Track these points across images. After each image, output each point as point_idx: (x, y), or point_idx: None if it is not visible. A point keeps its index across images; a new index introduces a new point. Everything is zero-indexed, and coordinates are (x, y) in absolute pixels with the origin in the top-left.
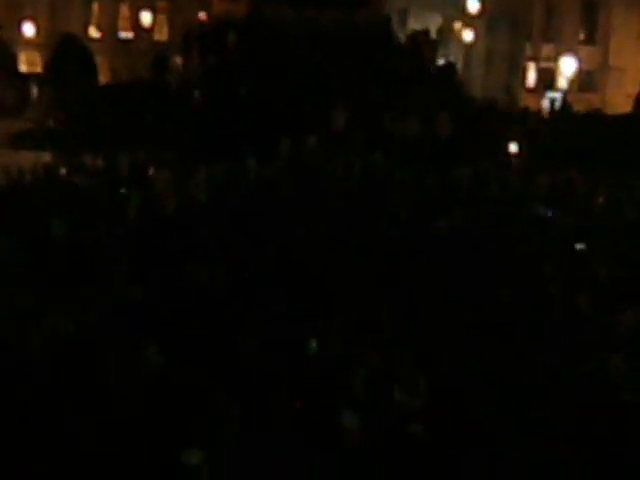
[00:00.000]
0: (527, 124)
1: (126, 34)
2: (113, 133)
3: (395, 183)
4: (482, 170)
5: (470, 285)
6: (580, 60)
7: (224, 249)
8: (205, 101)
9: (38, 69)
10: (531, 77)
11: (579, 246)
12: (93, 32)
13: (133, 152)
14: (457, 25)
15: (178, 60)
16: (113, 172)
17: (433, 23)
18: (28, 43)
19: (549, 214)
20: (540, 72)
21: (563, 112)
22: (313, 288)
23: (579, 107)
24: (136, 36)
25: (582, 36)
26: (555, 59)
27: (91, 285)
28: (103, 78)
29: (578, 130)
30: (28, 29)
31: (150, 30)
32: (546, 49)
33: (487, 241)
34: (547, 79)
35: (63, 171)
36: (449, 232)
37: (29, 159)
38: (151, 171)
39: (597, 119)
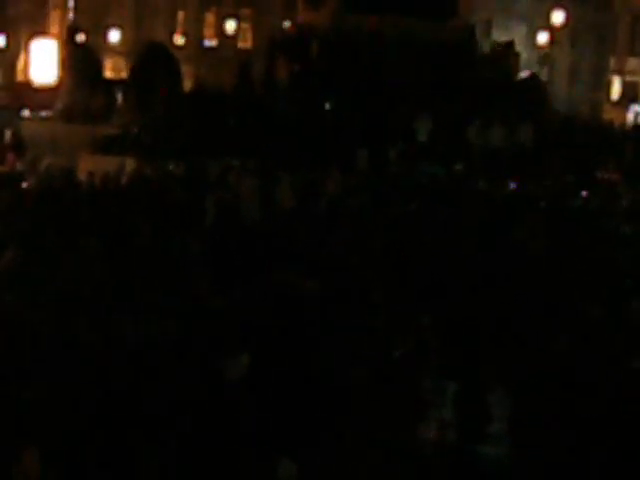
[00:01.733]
0: (610, 137)
1: (211, 42)
2: (197, 140)
3: (475, 196)
4: (565, 184)
5: (557, 301)
6: None
7: (310, 257)
8: (289, 110)
9: (123, 76)
10: (616, 90)
11: None
12: (178, 40)
13: (217, 159)
14: (541, 37)
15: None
16: (197, 178)
17: (517, 34)
18: (114, 50)
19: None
20: (625, 85)
21: None
22: (400, 299)
23: None
24: (221, 44)
25: None
26: None
27: (173, 292)
28: (188, 85)
29: None
30: (114, 36)
31: (234, 38)
32: (631, 62)
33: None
34: (632, 93)
35: (147, 176)
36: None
37: (114, 164)
38: (235, 177)
39: None
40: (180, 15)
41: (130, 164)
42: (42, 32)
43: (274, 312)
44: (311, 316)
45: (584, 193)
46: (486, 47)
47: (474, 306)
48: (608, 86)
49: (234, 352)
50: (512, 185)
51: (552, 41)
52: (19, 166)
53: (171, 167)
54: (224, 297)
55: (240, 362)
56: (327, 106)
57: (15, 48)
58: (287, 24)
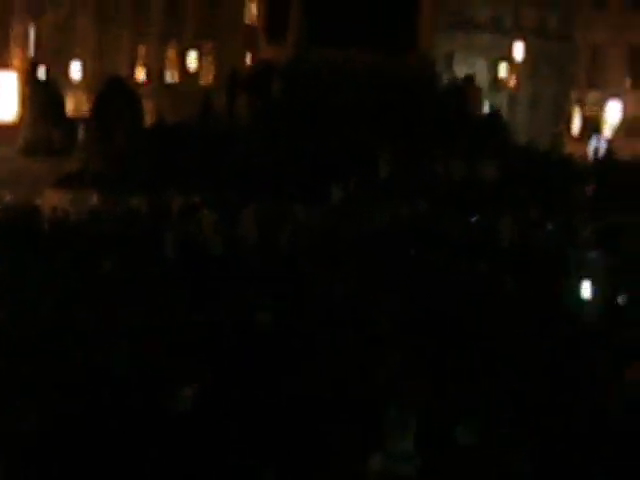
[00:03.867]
0: (570, 170)
1: (172, 77)
2: (159, 174)
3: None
4: (528, 217)
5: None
6: (626, 106)
7: (274, 293)
8: (251, 145)
9: (85, 111)
10: (576, 123)
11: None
12: (140, 75)
13: (180, 193)
14: (502, 71)
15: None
16: (159, 213)
17: (478, 68)
18: (75, 85)
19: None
20: (585, 119)
21: (607, 159)
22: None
23: (625, 153)
24: (182, 80)
25: (628, 82)
26: (600, 105)
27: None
28: (149, 121)
29: (622, 177)
30: (75, 71)
31: (196, 74)
32: (591, 95)
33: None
34: (592, 125)
35: (110, 211)
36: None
37: (77, 199)
38: (197, 212)
39: None
40: (141, 49)
41: (93, 199)
42: (2, 66)
43: (230, 343)
44: (265, 351)
45: (548, 226)
46: (447, 81)
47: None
48: (569, 119)
49: (181, 384)
50: (473, 219)
51: (512, 73)
52: None
53: (134, 202)
54: (182, 328)
55: (186, 394)
56: (287, 138)
57: None
58: (249, 59)
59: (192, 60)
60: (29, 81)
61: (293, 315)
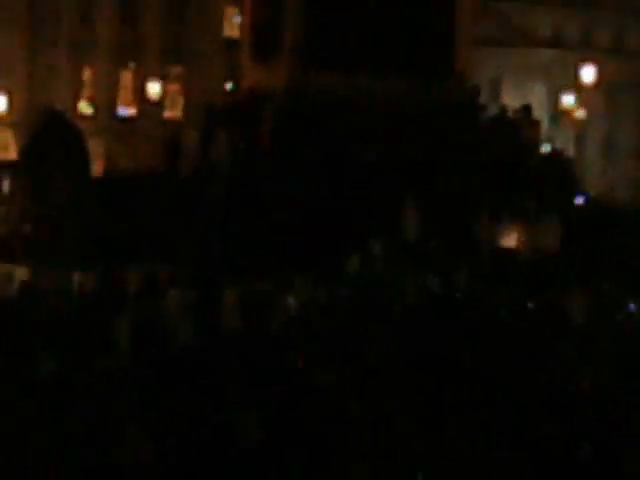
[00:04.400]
0: None
1: (128, 110)
2: (111, 241)
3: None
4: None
5: None
6: None
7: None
8: (234, 202)
9: (11, 155)
10: None
11: None
12: (84, 107)
13: (137, 266)
14: (567, 100)
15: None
16: (110, 292)
17: (536, 96)
18: None
19: None
20: None
21: None
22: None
23: None
24: (141, 112)
25: None
26: None
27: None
28: (98, 167)
29: None
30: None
31: (159, 104)
32: None
33: None
34: None
35: (43, 290)
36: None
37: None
38: (161, 291)
39: None
40: (86, 73)
41: (21, 274)
42: None
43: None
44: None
45: (632, 307)
46: (494, 113)
47: None
48: None
49: None
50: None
51: (580, 103)
52: None
53: (77, 278)
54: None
55: None
56: (282, 191)
57: None
58: (229, 86)
59: (154, 87)
60: None
61: (286, 430)
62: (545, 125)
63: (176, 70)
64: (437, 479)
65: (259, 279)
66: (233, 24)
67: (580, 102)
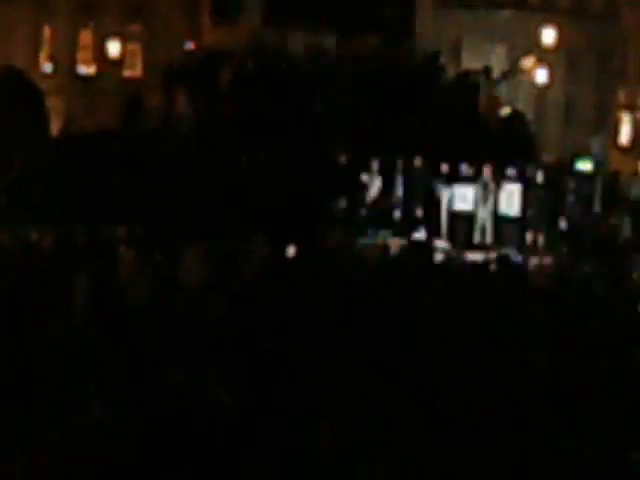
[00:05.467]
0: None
1: (88, 68)
2: (69, 200)
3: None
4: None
5: None
6: None
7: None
8: (194, 160)
9: None
10: (625, 131)
11: None
12: (45, 65)
13: (95, 225)
14: (527, 61)
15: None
16: (67, 250)
17: (495, 58)
18: None
19: None
20: (637, 124)
21: None
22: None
23: None
24: (101, 71)
25: None
26: None
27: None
28: (57, 126)
29: None
30: None
31: (119, 63)
32: None
33: None
34: None
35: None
36: None
37: None
38: (119, 249)
39: None
40: (46, 31)
41: None
42: None
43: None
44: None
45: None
46: (454, 76)
47: None
48: (615, 127)
49: None
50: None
51: (540, 65)
52: None
53: (33, 236)
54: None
55: None
56: (242, 150)
57: None
58: (190, 45)
59: (114, 46)
60: None
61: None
62: (504, 89)
63: (136, 29)
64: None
65: (218, 239)
66: None
67: (540, 64)
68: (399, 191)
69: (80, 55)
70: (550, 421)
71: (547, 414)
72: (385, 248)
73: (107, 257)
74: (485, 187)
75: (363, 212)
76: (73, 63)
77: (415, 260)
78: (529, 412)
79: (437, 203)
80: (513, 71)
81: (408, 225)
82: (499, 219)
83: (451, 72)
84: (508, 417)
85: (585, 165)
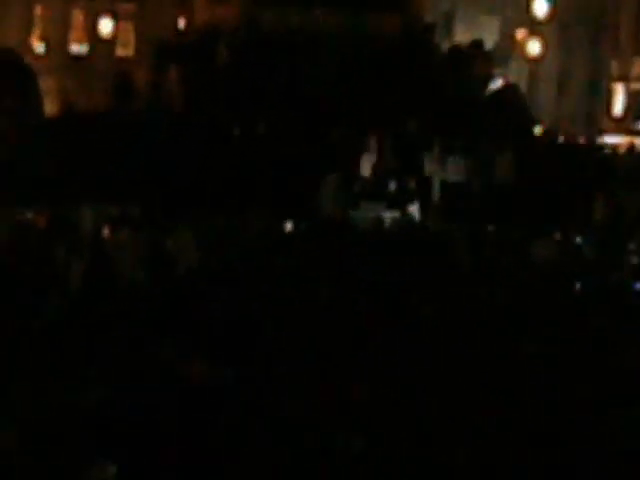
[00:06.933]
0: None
1: (79, 47)
2: (63, 180)
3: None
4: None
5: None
6: None
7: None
8: (187, 138)
9: None
10: (618, 102)
11: None
12: (36, 45)
13: (89, 205)
14: (520, 33)
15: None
16: (62, 231)
17: (488, 31)
18: None
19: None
20: (630, 95)
21: None
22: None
23: None
24: (93, 50)
25: None
26: None
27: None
28: (50, 106)
29: None
30: None
31: (111, 42)
32: (638, 66)
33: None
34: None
35: None
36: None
37: None
38: (113, 229)
39: None
40: (38, 10)
41: None
42: None
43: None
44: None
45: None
46: (447, 48)
47: None
48: (609, 97)
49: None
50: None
51: (533, 37)
52: None
53: (29, 216)
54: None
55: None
56: (237, 131)
57: None
58: (182, 23)
59: (106, 24)
60: None
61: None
62: (497, 60)
63: (128, 7)
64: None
65: (214, 214)
66: None
67: (532, 36)
68: (392, 164)
69: (72, 34)
70: None
71: None
72: (379, 221)
73: (102, 237)
74: (477, 158)
75: (357, 186)
76: (65, 43)
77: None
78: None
79: (428, 176)
80: (506, 44)
81: (402, 198)
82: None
83: (444, 45)
84: None
85: None
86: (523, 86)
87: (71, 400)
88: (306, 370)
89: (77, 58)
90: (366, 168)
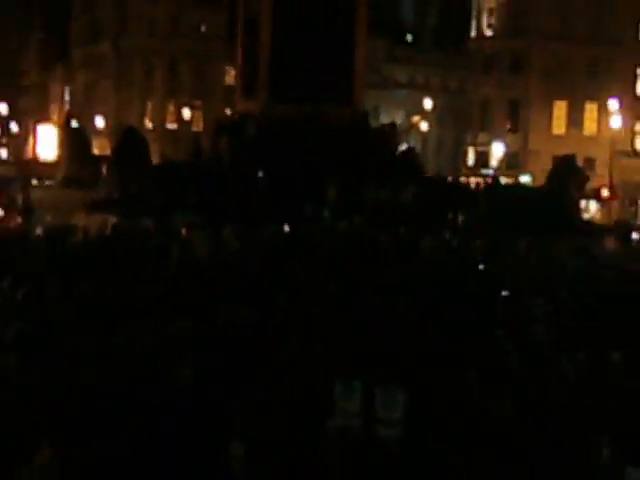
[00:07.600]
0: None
1: (172, 125)
2: (164, 201)
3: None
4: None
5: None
6: (507, 145)
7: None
8: (232, 178)
9: (107, 153)
10: (470, 158)
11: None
12: (148, 124)
13: (179, 216)
14: (416, 119)
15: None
16: (164, 231)
17: (397, 116)
18: (99, 132)
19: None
20: (477, 154)
21: (494, 185)
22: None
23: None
24: (179, 127)
25: (508, 126)
26: (488, 144)
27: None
28: (155, 159)
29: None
30: (99, 121)
31: (190, 122)
32: (482, 136)
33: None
34: (482, 159)
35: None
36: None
37: (100, 221)
38: (191, 229)
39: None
40: (149, 104)
41: (112, 221)
42: (45, 119)
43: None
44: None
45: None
46: (376, 128)
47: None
48: (465, 155)
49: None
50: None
51: (424, 121)
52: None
53: (146, 223)
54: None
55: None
56: (260, 174)
57: (24, 132)
58: (228, 111)
59: (187, 112)
60: (64, 130)
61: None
62: (403, 134)
63: (199, 102)
64: None
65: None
66: (231, 75)
67: (423, 120)
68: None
69: (169, 117)
70: None
71: None
72: None
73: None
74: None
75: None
76: (164, 123)
77: None
78: None
79: None
80: (408, 124)
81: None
82: None
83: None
84: None
85: None
86: (418, 149)
87: None
88: None
89: (170, 132)
90: (331, 195)
